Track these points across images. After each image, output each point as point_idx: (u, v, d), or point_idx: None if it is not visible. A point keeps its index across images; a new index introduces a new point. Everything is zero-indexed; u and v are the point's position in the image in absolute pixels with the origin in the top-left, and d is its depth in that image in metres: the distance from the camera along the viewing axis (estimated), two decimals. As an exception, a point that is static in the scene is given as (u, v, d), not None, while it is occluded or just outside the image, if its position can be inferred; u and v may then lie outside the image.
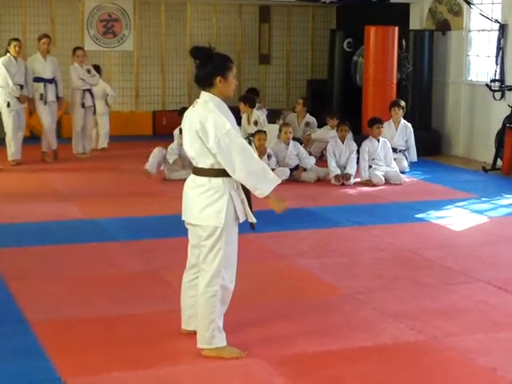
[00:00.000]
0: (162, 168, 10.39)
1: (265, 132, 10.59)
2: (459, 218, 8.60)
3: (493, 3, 12.37)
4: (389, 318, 5.41)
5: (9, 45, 11.42)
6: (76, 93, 12.16)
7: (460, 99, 12.99)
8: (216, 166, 4.60)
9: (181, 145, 9.38)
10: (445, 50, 13.23)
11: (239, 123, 11.14)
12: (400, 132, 11.43)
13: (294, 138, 11.10)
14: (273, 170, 9.31)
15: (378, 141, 10.73)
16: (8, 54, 11.36)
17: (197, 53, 4.68)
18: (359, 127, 12.27)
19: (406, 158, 11.45)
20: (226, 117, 4.61)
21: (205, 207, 4.62)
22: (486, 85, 11.99)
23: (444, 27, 13.22)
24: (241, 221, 4.71)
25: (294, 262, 6.80)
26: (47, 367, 4.55)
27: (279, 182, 4.67)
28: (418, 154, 11.63)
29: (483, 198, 9.59)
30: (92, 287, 6.07)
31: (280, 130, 10.75)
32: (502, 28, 11.98)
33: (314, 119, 12.64)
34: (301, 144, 11.21)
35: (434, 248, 7.32)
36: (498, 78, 12.02)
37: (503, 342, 5.04)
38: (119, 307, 5.60)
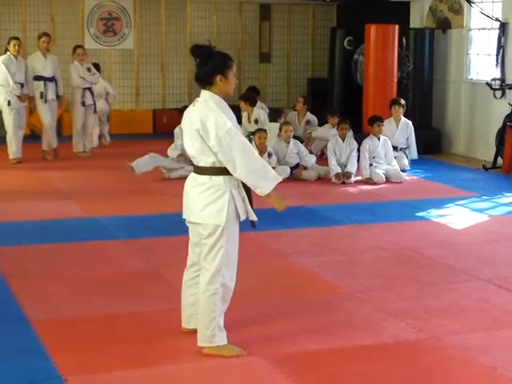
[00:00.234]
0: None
1: (265, 130, 10.59)
2: (460, 216, 8.60)
3: (493, 1, 12.37)
4: (389, 317, 5.41)
5: (8, 43, 11.42)
6: (76, 91, 12.16)
7: (460, 98, 12.99)
8: (217, 165, 4.60)
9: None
10: (445, 48, 13.22)
11: (239, 122, 11.13)
12: (401, 130, 11.43)
13: (295, 137, 11.10)
14: (273, 168, 9.26)
15: (379, 139, 10.72)
16: (8, 53, 11.36)
17: (197, 51, 4.68)
18: (360, 125, 12.27)
19: (407, 157, 11.45)
20: (227, 115, 4.61)
21: (206, 205, 4.62)
22: (487, 83, 11.99)
23: (444, 25, 13.21)
24: (242, 219, 4.71)
25: (294, 261, 6.80)
26: (48, 366, 4.55)
27: (280, 180, 4.68)
28: (419, 153, 11.63)
29: (484, 197, 9.59)
30: (92, 285, 6.07)
31: (280, 129, 10.74)
32: (503, 26, 11.97)
33: (315, 117, 12.63)
34: (301, 142, 11.21)
35: (435, 246, 7.32)
36: (498, 76, 12.01)
37: (503, 340, 5.05)
38: (120, 305, 5.60)
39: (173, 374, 4.51)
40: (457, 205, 9.15)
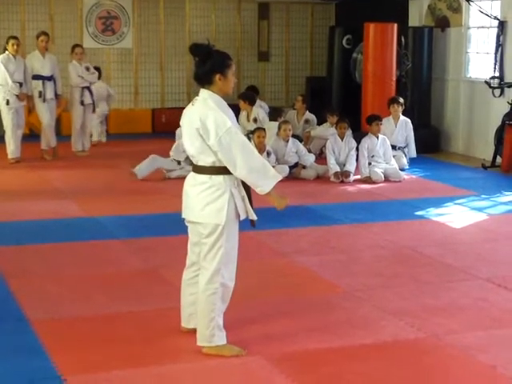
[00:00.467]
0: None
1: (264, 129, 10.58)
2: (459, 215, 8.61)
3: (492, 0, 12.36)
4: (389, 316, 5.41)
5: (7, 43, 11.41)
6: (75, 90, 12.16)
7: (459, 96, 12.99)
8: (217, 164, 4.61)
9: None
10: (444, 46, 13.22)
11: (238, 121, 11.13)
12: (399, 128, 11.43)
13: (294, 136, 11.10)
14: (272, 167, 9.29)
15: (377, 138, 10.72)
16: (6, 52, 11.35)
17: (196, 50, 4.68)
18: (358, 124, 12.26)
19: (406, 156, 11.45)
20: (226, 114, 4.61)
21: (206, 205, 4.62)
22: (486, 82, 11.99)
23: (443, 24, 13.21)
24: (242, 218, 4.71)
25: (293, 260, 6.80)
26: (47, 365, 4.55)
27: (280, 178, 4.68)
28: (418, 151, 11.63)
29: (483, 196, 9.59)
30: (92, 285, 6.06)
31: (279, 128, 10.74)
32: (502, 25, 11.97)
33: (314, 116, 12.63)
34: (300, 141, 11.21)
35: (434, 245, 7.32)
36: (497, 74, 12.01)
37: (503, 339, 5.05)
38: (119, 305, 5.60)
39: (172, 374, 4.51)
40: (456, 204, 9.16)
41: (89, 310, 5.50)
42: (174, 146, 10.48)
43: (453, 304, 5.70)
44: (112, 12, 14.99)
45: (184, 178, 4.96)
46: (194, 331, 4.84)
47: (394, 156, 10.92)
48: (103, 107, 13.30)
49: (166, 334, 5.02)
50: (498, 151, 11.49)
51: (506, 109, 11.55)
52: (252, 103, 12.06)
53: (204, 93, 4.69)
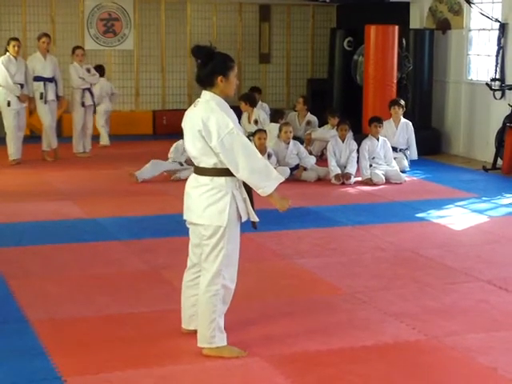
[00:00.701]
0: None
1: (265, 131, 10.59)
2: (459, 217, 8.60)
3: (493, 2, 12.37)
4: (389, 318, 5.41)
5: (8, 44, 11.42)
6: (76, 92, 12.18)
7: (460, 98, 12.99)
8: (219, 166, 4.61)
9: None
10: (445, 49, 13.23)
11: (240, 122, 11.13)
12: (400, 131, 11.43)
13: (295, 137, 11.10)
14: (273, 169, 9.30)
15: (378, 140, 10.73)
16: (7, 54, 11.36)
17: (198, 52, 4.68)
18: (359, 126, 12.27)
19: (407, 158, 11.45)
20: (228, 116, 4.62)
21: (207, 206, 4.62)
22: (487, 84, 11.99)
23: (444, 26, 13.22)
24: (243, 220, 4.71)
25: (294, 262, 6.80)
26: (47, 366, 4.55)
27: (282, 180, 4.68)
28: (418, 154, 11.63)
29: (483, 198, 9.59)
30: (93, 286, 6.06)
31: (280, 130, 10.74)
32: (503, 27, 11.97)
33: (315, 118, 12.63)
34: (302, 143, 11.21)
35: (435, 247, 7.32)
36: (498, 77, 12.01)
37: (504, 341, 5.04)
38: (120, 306, 5.60)
39: (173, 375, 4.50)
40: (457, 206, 9.16)
41: (89, 311, 5.50)
42: (171, 148, 10.47)
43: (454, 306, 5.70)
44: (113, 14, 15.00)
45: (186, 179, 4.95)
46: (194, 333, 4.84)
47: (395, 158, 10.92)
48: (107, 104, 13.35)
49: (167, 335, 5.02)
50: (498, 153, 11.49)
51: (507, 111, 11.54)
52: (253, 105, 12.07)
53: (206, 95, 4.69)
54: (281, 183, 4.68)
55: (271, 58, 16.00)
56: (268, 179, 4.60)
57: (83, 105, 12.21)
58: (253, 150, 4.62)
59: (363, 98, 12.68)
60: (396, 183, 10.46)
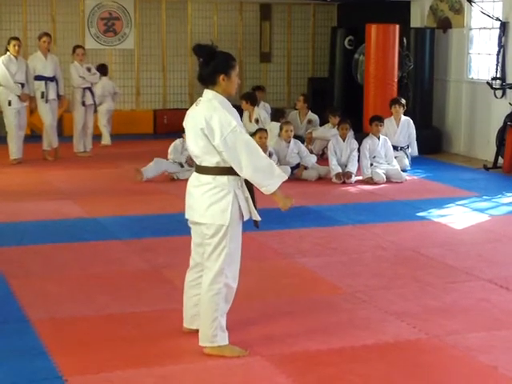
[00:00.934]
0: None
1: (266, 130, 10.58)
2: (460, 216, 8.60)
3: (494, 1, 12.36)
4: (390, 317, 5.41)
5: (8, 44, 11.42)
6: (76, 91, 12.18)
7: (461, 97, 12.98)
8: (221, 164, 4.61)
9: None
10: (446, 47, 13.22)
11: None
12: (401, 129, 11.43)
13: (296, 136, 11.10)
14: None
15: (379, 138, 10.72)
16: (8, 53, 11.36)
17: (200, 51, 4.68)
18: (360, 125, 12.27)
19: (407, 156, 11.45)
20: (231, 114, 4.62)
21: (210, 205, 4.62)
22: (487, 83, 11.99)
23: (445, 25, 13.21)
24: (245, 219, 4.71)
25: (295, 261, 6.80)
26: (48, 366, 4.55)
27: (285, 178, 4.68)
28: (419, 152, 11.63)
29: (484, 197, 9.59)
30: (93, 286, 6.06)
31: (281, 129, 10.74)
32: (503, 26, 11.97)
33: (317, 116, 12.63)
34: (302, 142, 11.21)
35: (436, 246, 7.32)
36: (499, 76, 12.00)
37: (505, 340, 5.04)
38: (120, 305, 5.60)
39: (174, 374, 4.50)
40: (457, 205, 9.15)
41: (90, 310, 5.50)
42: (170, 149, 10.46)
43: (454, 305, 5.69)
44: (114, 13, 15.00)
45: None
46: (195, 332, 4.84)
47: (395, 157, 10.93)
48: (109, 104, 13.36)
49: (168, 335, 5.02)
50: (499, 152, 11.49)
51: (508, 110, 11.54)
52: (254, 104, 12.07)
53: (208, 93, 4.69)
54: (282, 182, 4.68)
55: (272, 56, 15.99)
56: (271, 177, 4.60)
57: (84, 104, 12.21)
58: (256, 148, 4.62)
59: (364, 97, 12.68)
60: (397, 182, 10.46)
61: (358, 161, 10.59)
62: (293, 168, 10.56)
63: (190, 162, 9.99)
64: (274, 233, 7.61)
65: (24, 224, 8.00)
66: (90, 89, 12.28)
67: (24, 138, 11.64)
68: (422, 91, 13.07)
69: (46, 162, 11.68)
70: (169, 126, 14.46)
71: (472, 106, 12.75)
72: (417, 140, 11.52)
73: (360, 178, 10.49)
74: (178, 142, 10.46)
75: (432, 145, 12.82)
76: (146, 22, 15.18)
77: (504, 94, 11.93)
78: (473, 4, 12.41)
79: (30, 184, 10.14)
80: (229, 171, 4.61)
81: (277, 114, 12.09)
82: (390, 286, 6.12)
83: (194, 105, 4.76)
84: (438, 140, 13.13)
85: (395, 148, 11.13)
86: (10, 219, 8.20)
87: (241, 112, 11.49)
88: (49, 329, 5.13)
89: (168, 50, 15.33)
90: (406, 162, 11.32)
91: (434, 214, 8.65)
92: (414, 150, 11.54)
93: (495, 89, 11.95)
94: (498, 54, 12.03)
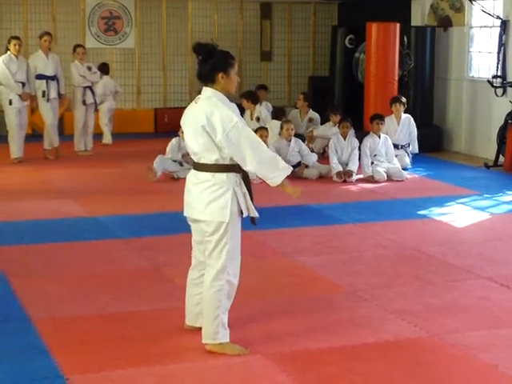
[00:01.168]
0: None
1: (266, 128, 10.58)
2: (461, 214, 8.60)
3: (494, -1, 12.37)
4: (391, 315, 5.41)
5: (9, 43, 11.43)
6: (77, 90, 12.19)
7: (462, 95, 12.98)
8: (220, 162, 4.61)
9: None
10: (446, 46, 13.21)
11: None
12: (402, 127, 11.43)
13: (297, 135, 11.09)
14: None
15: (379, 137, 10.72)
16: (8, 52, 11.37)
17: (199, 49, 4.70)
18: (361, 124, 12.26)
19: (408, 155, 11.44)
20: (231, 110, 4.62)
21: (209, 203, 4.63)
22: (488, 81, 11.98)
23: (446, 23, 13.20)
24: (245, 215, 4.72)
25: (295, 259, 6.80)
26: (49, 365, 4.56)
27: (290, 170, 4.71)
28: (420, 151, 11.63)
29: (485, 195, 9.58)
30: (94, 284, 6.07)
31: (281, 127, 10.74)
32: (504, 24, 11.96)
33: (317, 115, 12.63)
34: (303, 141, 11.20)
35: (436, 245, 7.32)
36: (499, 74, 11.99)
37: (505, 338, 5.04)
38: (121, 304, 5.61)
39: (174, 373, 4.51)
40: (458, 203, 9.15)
41: (91, 309, 5.51)
42: (168, 148, 10.45)
43: (455, 303, 5.70)
44: (114, 12, 14.99)
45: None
46: (196, 330, 4.86)
47: (396, 155, 10.93)
48: (111, 102, 13.39)
49: (168, 334, 5.02)
50: (500, 150, 11.48)
51: (509, 108, 11.53)
52: (255, 102, 12.06)
53: (207, 91, 4.70)
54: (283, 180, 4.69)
55: (272, 55, 15.99)
56: (276, 169, 4.63)
57: (84, 103, 12.22)
58: (259, 141, 4.65)
59: (364, 96, 12.67)
60: (397, 180, 10.46)
61: (359, 159, 10.60)
62: (294, 166, 10.48)
63: (187, 158, 9.99)
64: (273, 232, 7.59)
65: (25, 223, 8.01)
66: (90, 88, 12.29)
67: (25, 137, 11.64)
68: (423, 89, 13.07)
69: (46, 161, 11.68)
70: (170, 125, 14.44)
71: (473, 104, 12.74)
72: (417, 138, 11.51)
73: (361, 176, 10.49)
74: (174, 141, 10.48)
75: (433, 143, 12.82)
76: (147, 20, 15.18)
77: (505, 92, 11.93)
78: (473, 2, 12.40)
79: (31, 183, 10.14)
80: (227, 168, 4.62)
81: (277, 113, 12.09)
82: (391, 285, 6.12)
83: (193, 102, 4.77)
84: (439, 138, 13.13)
85: (396, 146, 11.13)
86: (11, 218, 8.21)
87: (242, 110, 11.48)
88: (49, 328, 5.13)
89: (168, 49, 15.32)
90: (407, 160, 11.32)
91: (435, 213, 8.65)
92: (414, 148, 11.54)
93: (496, 87, 11.94)
94: (498, 53, 12.03)
